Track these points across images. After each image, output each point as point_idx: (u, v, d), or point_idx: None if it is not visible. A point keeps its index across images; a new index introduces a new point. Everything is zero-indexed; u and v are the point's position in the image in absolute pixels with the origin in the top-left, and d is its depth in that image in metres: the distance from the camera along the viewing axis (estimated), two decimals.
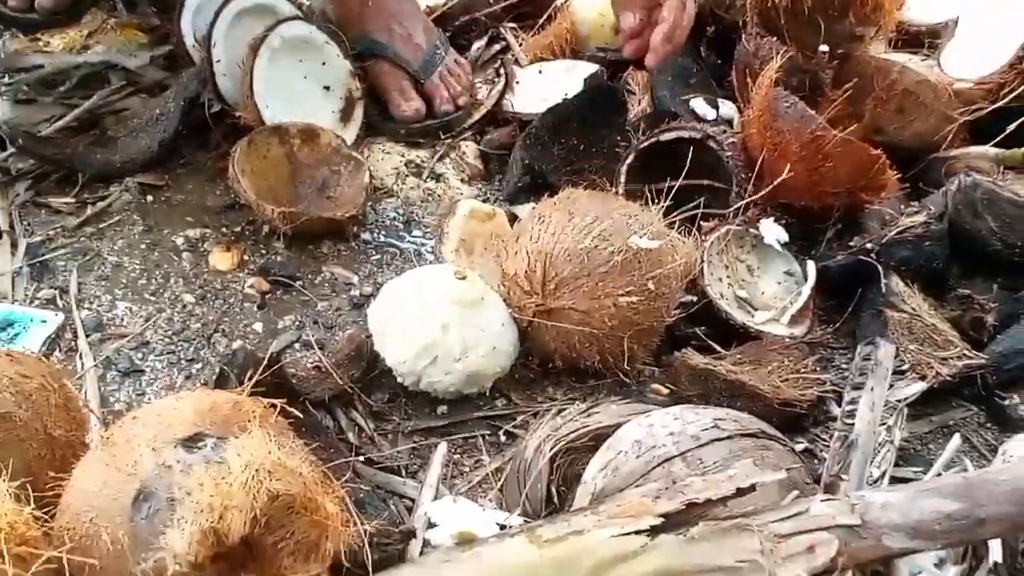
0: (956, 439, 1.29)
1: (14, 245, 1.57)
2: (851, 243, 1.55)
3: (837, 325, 1.52)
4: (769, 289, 1.53)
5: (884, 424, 1.31)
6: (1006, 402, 1.39)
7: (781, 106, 1.54)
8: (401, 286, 1.45)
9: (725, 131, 1.66)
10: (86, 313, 1.47)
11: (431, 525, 1.06)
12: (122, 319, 1.47)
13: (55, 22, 1.97)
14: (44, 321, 1.45)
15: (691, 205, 1.52)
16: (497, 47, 2.00)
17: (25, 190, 1.66)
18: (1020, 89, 1.66)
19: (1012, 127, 1.62)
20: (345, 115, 1.76)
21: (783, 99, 1.53)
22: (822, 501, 1.03)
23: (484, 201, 1.71)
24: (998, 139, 1.65)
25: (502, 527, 1.01)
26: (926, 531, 1.01)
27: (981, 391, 1.41)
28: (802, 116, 1.51)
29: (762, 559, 0.97)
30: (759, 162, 1.59)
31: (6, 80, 1.88)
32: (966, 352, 1.41)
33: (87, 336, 1.42)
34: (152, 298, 1.50)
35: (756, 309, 1.50)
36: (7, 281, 1.51)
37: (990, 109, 1.67)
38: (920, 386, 1.37)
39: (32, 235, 1.58)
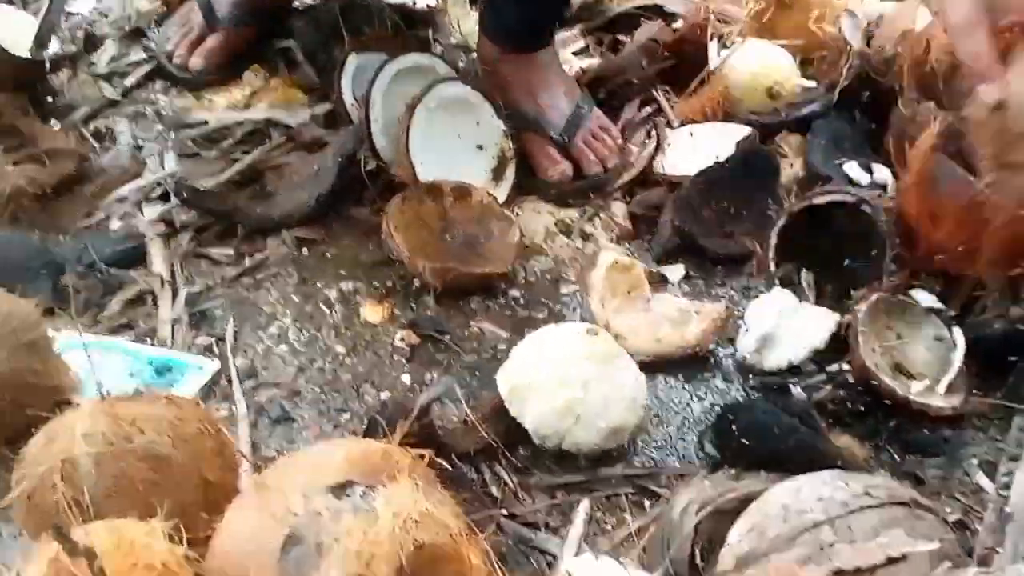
0: None
1: (175, 294, 1.63)
2: (1010, 312, 1.52)
3: (996, 394, 1.48)
4: (919, 357, 1.50)
5: None
6: None
7: (941, 171, 1.53)
8: (533, 347, 1.46)
9: (880, 195, 1.66)
10: (241, 361, 1.52)
11: None
12: (275, 368, 1.53)
13: (215, 81, 2.10)
14: (201, 368, 1.52)
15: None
16: (649, 109, 2.01)
17: (187, 241, 1.73)
18: None
19: None
20: (497, 174, 1.80)
21: (943, 164, 1.52)
22: (975, 574, 1.02)
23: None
24: None
25: None
26: None
27: None
28: (963, 182, 1.48)
29: None
30: (914, 228, 1.58)
31: (172, 135, 1.97)
32: None
33: (241, 383, 1.48)
34: (304, 348, 1.57)
35: (912, 377, 1.48)
36: (167, 328, 1.58)
37: None
38: None
39: (192, 284, 1.65)
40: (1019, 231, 1.46)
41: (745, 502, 1.18)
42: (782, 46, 1.99)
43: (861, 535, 1.08)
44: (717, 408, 1.44)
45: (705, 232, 1.69)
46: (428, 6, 2.26)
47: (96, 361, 1.37)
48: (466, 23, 2.20)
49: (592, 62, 2.12)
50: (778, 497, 1.16)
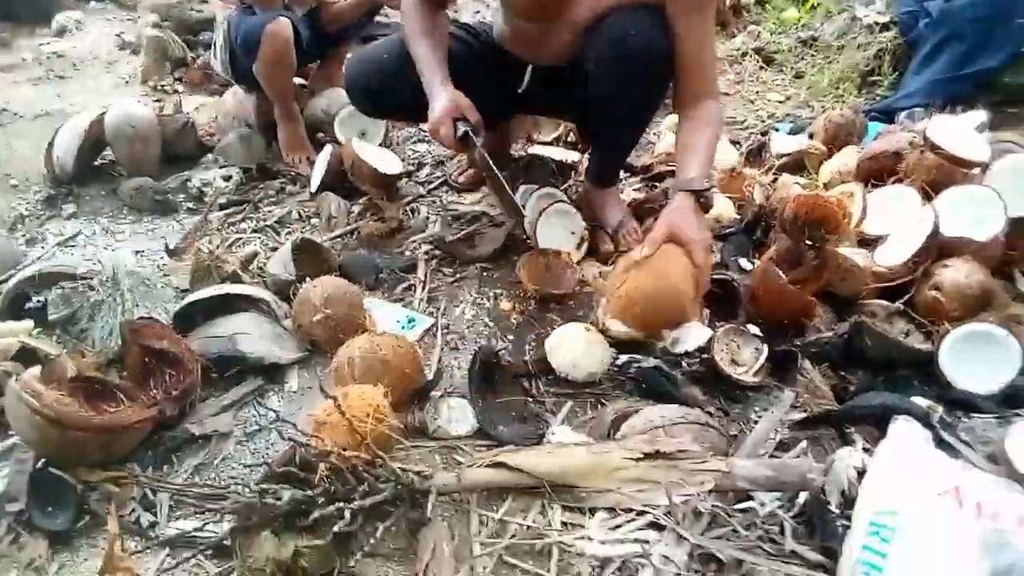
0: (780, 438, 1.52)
1: (424, 286, 1.96)
2: (796, 342, 1.73)
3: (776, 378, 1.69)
4: (746, 357, 1.72)
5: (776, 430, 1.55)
6: (848, 430, 1.56)
7: (770, 271, 1.77)
8: (563, 331, 1.75)
9: (744, 277, 1.89)
10: (443, 320, 1.85)
11: None
12: (458, 325, 1.83)
13: (467, 190, 2.38)
14: (426, 321, 1.84)
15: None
16: None
17: (435, 263, 2.04)
18: (910, 276, 1.81)
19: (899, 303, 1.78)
20: (579, 247, 2.08)
21: (770, 267, 1.77)
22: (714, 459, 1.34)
23: None
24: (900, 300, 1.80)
25: None
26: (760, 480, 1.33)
27: (835, 424, 1.59)
28: (776, 276, 1.74)
29: None
30: (754, 297, 1.83)
31: (441, 213, 2.26)
32: (830, 403, 1.62)
33: (441, 330, 1.81)
34: (472, 318, 1.85)
35: (739, 366, 1.69)
36: (417, 302, 1.90)
37: (888, 284, 1.83)
38: (801, 415, 1.59)
39: (431, 283, 1.97)
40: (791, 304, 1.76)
41: (636, 412, 1.52)
42: (727, 196, 2.18)
43: (675, 434, 1.44)
44: (636, 367, 1.66)
45: None
46: (572, 160, 2.44)
47: (381, 314, 1.81)
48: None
49: (638, 195, 2.29)
50: (647, 411, 1.51)
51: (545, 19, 1.86)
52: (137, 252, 2.04)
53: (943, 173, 1.94)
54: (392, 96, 1.99)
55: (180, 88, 2.99)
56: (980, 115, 2.30)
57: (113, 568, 1.07)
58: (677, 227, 1.67)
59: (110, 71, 3.10)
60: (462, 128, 1.78)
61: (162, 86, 3.01)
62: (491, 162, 1.88)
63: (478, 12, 3.60)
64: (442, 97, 1.77)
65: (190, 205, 2.30)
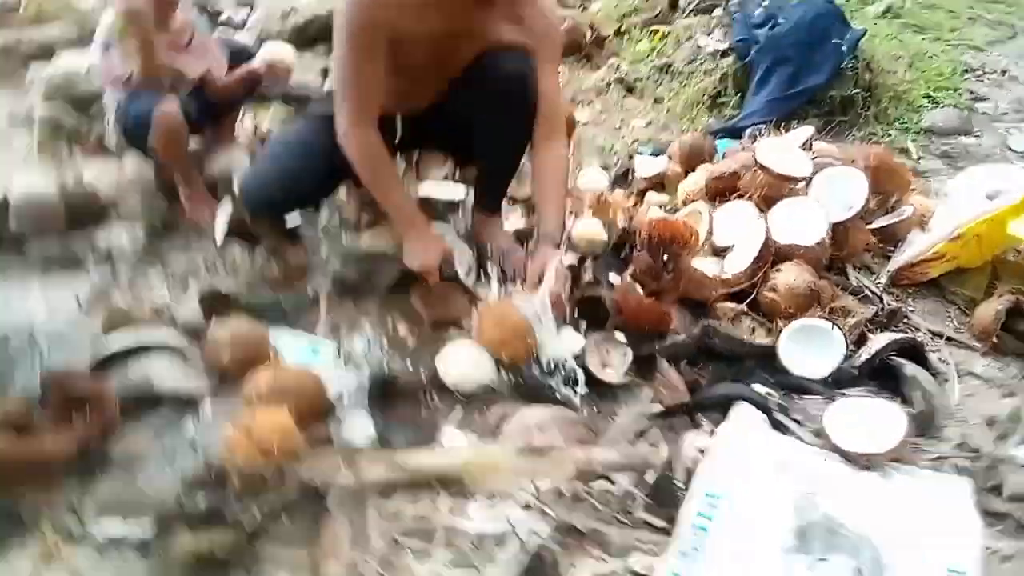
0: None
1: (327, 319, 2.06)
2: (656, 345, 1.93)
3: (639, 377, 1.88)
4: (615, 360, 1.93)
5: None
6: (698, 417, 1.77)
7: (628, 286, 2.02)
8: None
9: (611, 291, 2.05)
10: (345, 347, 1.95)
11: None
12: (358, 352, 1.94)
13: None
14: (327, 347, 1.95)
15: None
16: None
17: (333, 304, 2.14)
18: (751, 281, 2.06)
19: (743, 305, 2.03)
20: (468, 273, 2.16)
21: (628, 284, 2.03)
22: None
23: None
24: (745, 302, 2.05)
25: None
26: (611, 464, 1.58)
27: (688, 412, 1.80)
28: (634, 291, 2.00)
29: None
30: (620, 308, 1.99)
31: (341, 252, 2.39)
32: (684, 395, 1.84)
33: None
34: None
35: (607, 367, 1.88)
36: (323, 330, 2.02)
37: (732, 290, 2.08)
38: (660, 407, 1.81)
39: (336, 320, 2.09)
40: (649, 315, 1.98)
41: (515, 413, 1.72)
42: (598, 221, 2.30)
43: (546, 431, 1.64)
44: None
45: None
46: (458, 199, 2.53)
47: (286, 345, 1.93)
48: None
49: (520, 224, 2.43)
50: (525, 413, 1.73)
51: (411, 78, 1.98)
52: (50, 308, 2.12)
53: (773, 188, 2.24)
54: (294, 203, 2.21)
55: (78, 158, 3.04)
56: (808, 130, 2.65)
57: (48, 555, 1.21)
58: (544, 272, 1.93)
59: (4, 147, 3.10)
60: (448, 272, 2.05)
61: (59, 157, 3.05)
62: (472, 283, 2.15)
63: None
64: (426, 242, 2.03)
65: (98, 262, 2.38)
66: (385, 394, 1.78)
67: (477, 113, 2.00)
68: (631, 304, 1.98)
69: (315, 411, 1.67)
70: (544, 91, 1.96)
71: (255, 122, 3.23)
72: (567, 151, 2.04)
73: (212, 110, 2.74)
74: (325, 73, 3.43)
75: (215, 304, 2.05)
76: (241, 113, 3.03)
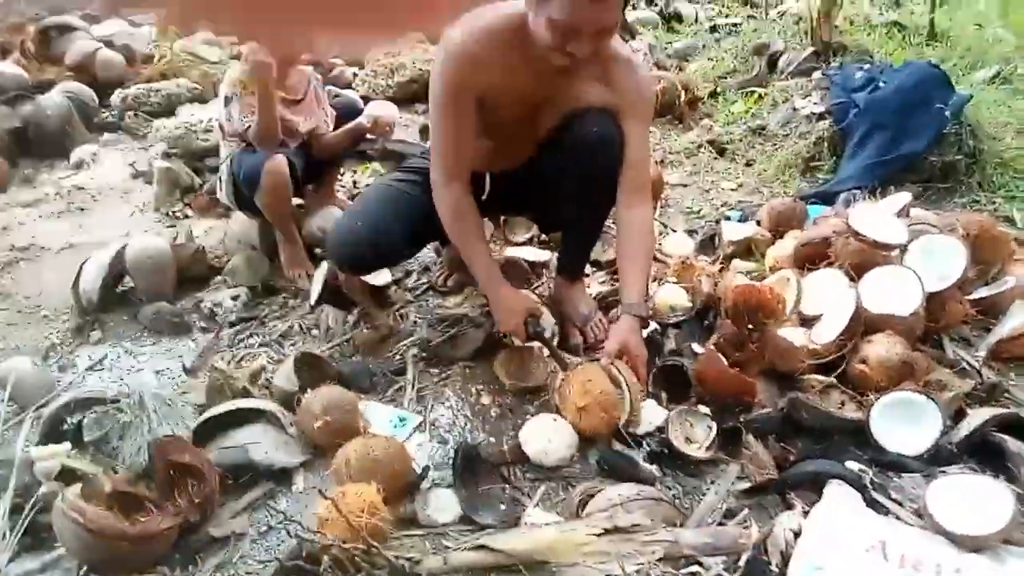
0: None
1: (414, 386, 2.11)
2: (741, 418, 1.90)
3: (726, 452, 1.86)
4: (699, 433, 1.90)
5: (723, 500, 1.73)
6: (789, 495, 1.72)
7: (711, 356, 1.96)
8: (538, 420, 1.97)
9: (694, 360, 2.04)
10: (431, 417, 2.01)
11: None
12: (446, 420, 1.99)
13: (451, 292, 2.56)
14: (414, 418, 2.00)
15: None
16: None
17: (423, 364, 2.20)
18: (840, 352, 2.01)
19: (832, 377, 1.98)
20: (551, 339, 2.17)
21: (712, 353, 1.97)
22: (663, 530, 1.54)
23: None
24: (834, 374, 2.00)
25: None
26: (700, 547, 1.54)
27: (776, 489, 1.75)
28: (717, 362, 1.94)
29: None
30: (702, 380, 1.99)
31: (427, 318, 2.43)
32: (772, 472, 1.78)
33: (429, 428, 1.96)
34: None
35: (692, 443, 1.87)
36: (406, 401, 2.06)
37: (820, 362, 2.03)
38: (747, 484, 1.77)
39: (420, 384, 2.13)
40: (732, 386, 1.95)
41: (599, 491, 1.69)
42: (681, 286, 2.35)
43: (631, 510, 1.61)
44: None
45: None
46: (543, 260, 2.64)
47: (375, 415, 1.98)
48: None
49: (603, 288, 2.48)
50: (608, 491, 1.69)
51: (502, 135, 2.04)
52: (158, 372, 2.27)
53: (865, 256, 2.18)
54: (382, 257, 2.23)
55: (190, 213, 3.25)
56: (905, 196, 2.55)
57: None
58: (625, 344, 1.96)
59: (125, 200, 3.37)
60: (533, 329, 2.07)
61: (173, 212, 3.27)
62: (557, 350, 2.16)
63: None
64: (512, 302, 2.07)
65: (203, 324, 2.52)
66: (469, 467, 1.80)
67: (562, 176, 2.04)
68: (713, 375, 1.95)
69: (401, 486, 1.72)
70: (631, 153, 1.97)
71: (355, 179, 3.42)
72: (652, 215, 2.05)
73: (316, 167, 2.93)
74: (425, 130, 3.56)
75: (309, 369, 2.12)
76: (342, 171, 3.21)
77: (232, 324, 2.50)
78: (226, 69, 3.52)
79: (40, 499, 1.64)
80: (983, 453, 1.82)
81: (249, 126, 2.58)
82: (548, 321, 2.25)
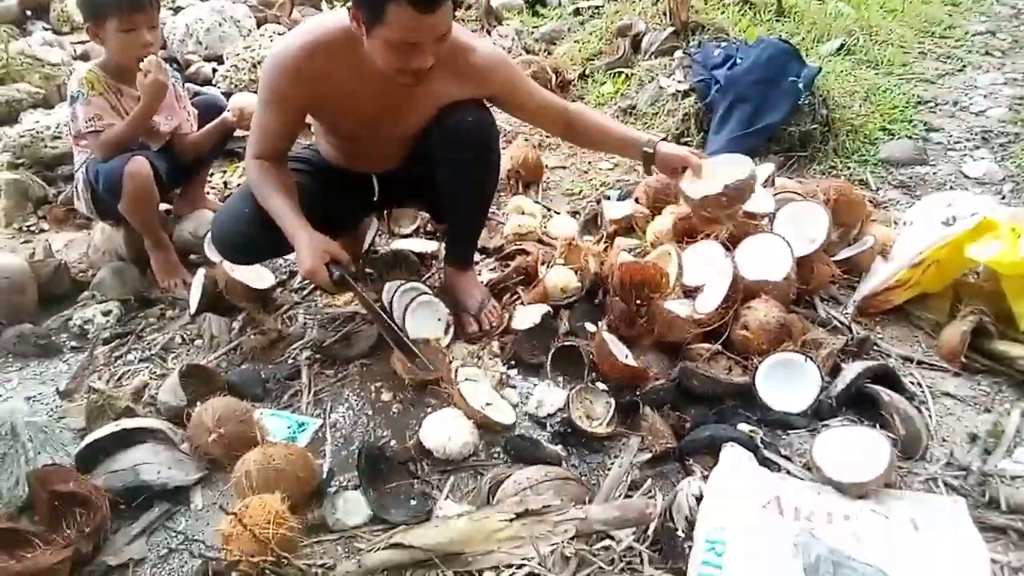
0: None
1: (310, 390, 2.07)
2: (637, 392, 1.95)
3: (626, 426, 1.90)
4: (598, 411, 1.95)
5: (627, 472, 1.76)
6: (688, 462, 1.78)
7: (602, 345, 2.01)
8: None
9: (589, 344, 2.09)
10: (331, 419, 1.98)
11: None
12: (347, 421, 1.96)
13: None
14: (314, 423, 1.96)
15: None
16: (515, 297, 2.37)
17: (317, 367, 2.16)
18: (723, 319, 2.07)
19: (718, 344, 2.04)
20: (446, 331, 2.23)
21: (601, 342, 2.01)
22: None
23: None
24: (719, 341, 2.05)
25: None
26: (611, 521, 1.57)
27: (675, 457, 1.81)
28: (608, 352, 1.98)
29: None
30: (596, 360, 2.04)
31: (316, 318, 2.38)
32: (671, 441, 1.84)
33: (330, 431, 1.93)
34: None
35: (592, 420, 1.91)
36: (303, 405, 2.02)
37: (706, 329, 2.08)
38: (649, 455, 1.82)
39: (317, 387, 2.08)
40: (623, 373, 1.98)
41: (507, 476, 1.71)
42: (569, 268, 2.38)
43: (541, 492, 1.63)
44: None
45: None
46: (431, 251, 2.63)
47: (272, 423, 1.93)
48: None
49: (492, 276, 2.45)
50: (516, 475, 1.71)
51: (370, 140, 2.11)
52: (29, 399, 2.12)
53: (738, 226, 2.27)
54: (259, 248, 2.16)
55: (45, 227, 3.03)
56: (769, 167, 2.69)
57: None
58: (683, 155, 2.17)
59: None
60: (336, 272, 1.89)
61: (27, 227, 3.04)
62: (372, 303, 2.04)
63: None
64: (309, 244, 1.90)
65: (74, 344, 2.37)
66: (374, 466, 1.77)
67: (442, 166, 2.07)
68: (606, 364, 2.02)
69: (307, 492, 1.68)
70: (527, 102, 2.14)
71: (225, 179, 3.26)
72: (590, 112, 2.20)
73: (183, 170, 2.78)
74: None
75: (196, 382, 2.05)
76: (211, 171, 3.08)
77: (106, 341, 2.36)
78: (71, 71, 3.31)
79: None
80: (859, 404, 1.93)
81: (93, 129, 2.43)
82: (441, 312, 2.28)
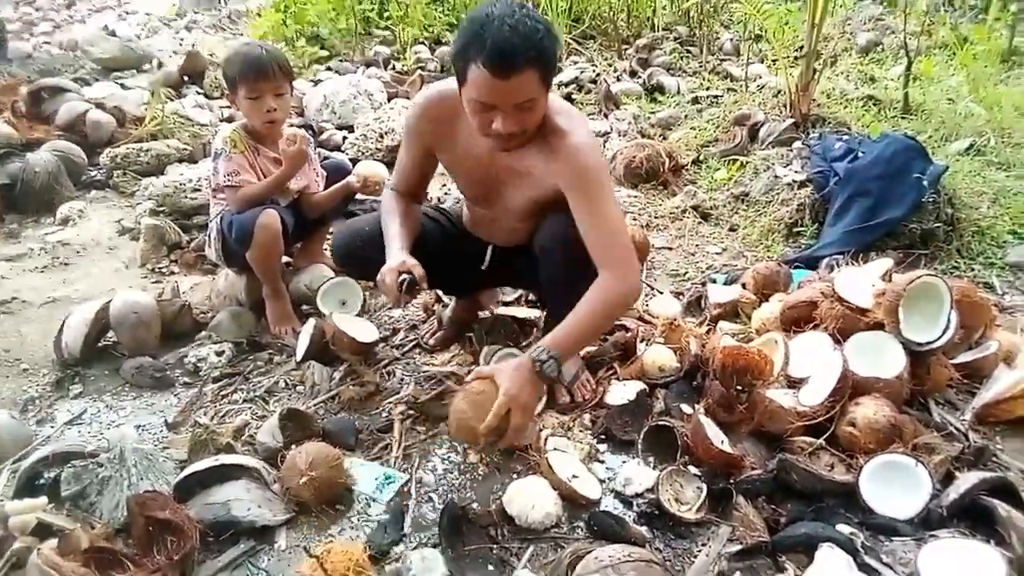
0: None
1: (399, 443, 2.11)
2: (731, 480, 1.89)
3: (716, 514, 1.83)
4: (688, 495, 1.89)
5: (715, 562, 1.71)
6: (780, 558, 1.70)
7: (698, 429, 1.96)
8: None
9: (684, 425, 2.04)
10: (417, 475, 1.99)
11: None
12: (433, 479, 1.97)
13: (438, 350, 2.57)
14: (395, 478, 1.98)
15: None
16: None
17: (406, 429, 2.18)
18: (828, 414, 1.97)
19: (821, 439, 1.95)
20: (539, 399, 2.09)
21: (698, 426, 1.96)
22: None
23: None
24: (823, 437, 1.97)
25: None
26: None
27: (767, 552, 1.74)
28: (704, 437, 1.94)
29: None
30: (691, 443, 1.99)
31: (414, 375, 2.44)
32: (763, 534, 1.76)
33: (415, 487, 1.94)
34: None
35: (682, 504, 1.86)
36: (392, 458, 2.04)
37: (810, 422, 2.00)
38: (738, 547, 1.74)
39: (407, 441, 2.13)
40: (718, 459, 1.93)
41: (589, 552, 1.66)
42: (669, 347, 2.36)
43: (622, 572, 1.58)
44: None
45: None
46: (533, 318, 2.63)
47: (360, 473, 1.97)
48: None
49: (590, 348, 2.37)
50: (598, 552, 1.66)
51: (486, 206, 2.21)
52: (139, 427, 2.22)
53: (849, 320, 2.19)
54: (371, 260, 2.18)
55: (176, 270, 3.24)
56: (887, 262, 2.60)
57: None
58: (499, 375, 1.86)
59: (111, 256, 3.35)
60: (403, 277, 1.95)
61: (159, 268, 3.26)
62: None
63: (444, 185, 3.89)
64: (393, 257, 2.03)
65: (186, 379, 2.48)
66: (455, 527, 1.77)
67: (538, 268, 2.17)
68: (700, 446, 1.96)
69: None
70: (588, 228, 1.93)
71: None
72: (610, 282, 1.90)
73: (305, 226, 2.98)
74: None
75: (294, 425, 2.10)
76: (331, 230, 3.21)
77: (216, 379, 2.47)
78: (216, 131, 3.57)
79: (14, 555, 1.57)
80: (973, 517, 1.80)
81: (231, 184, 2.63)
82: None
